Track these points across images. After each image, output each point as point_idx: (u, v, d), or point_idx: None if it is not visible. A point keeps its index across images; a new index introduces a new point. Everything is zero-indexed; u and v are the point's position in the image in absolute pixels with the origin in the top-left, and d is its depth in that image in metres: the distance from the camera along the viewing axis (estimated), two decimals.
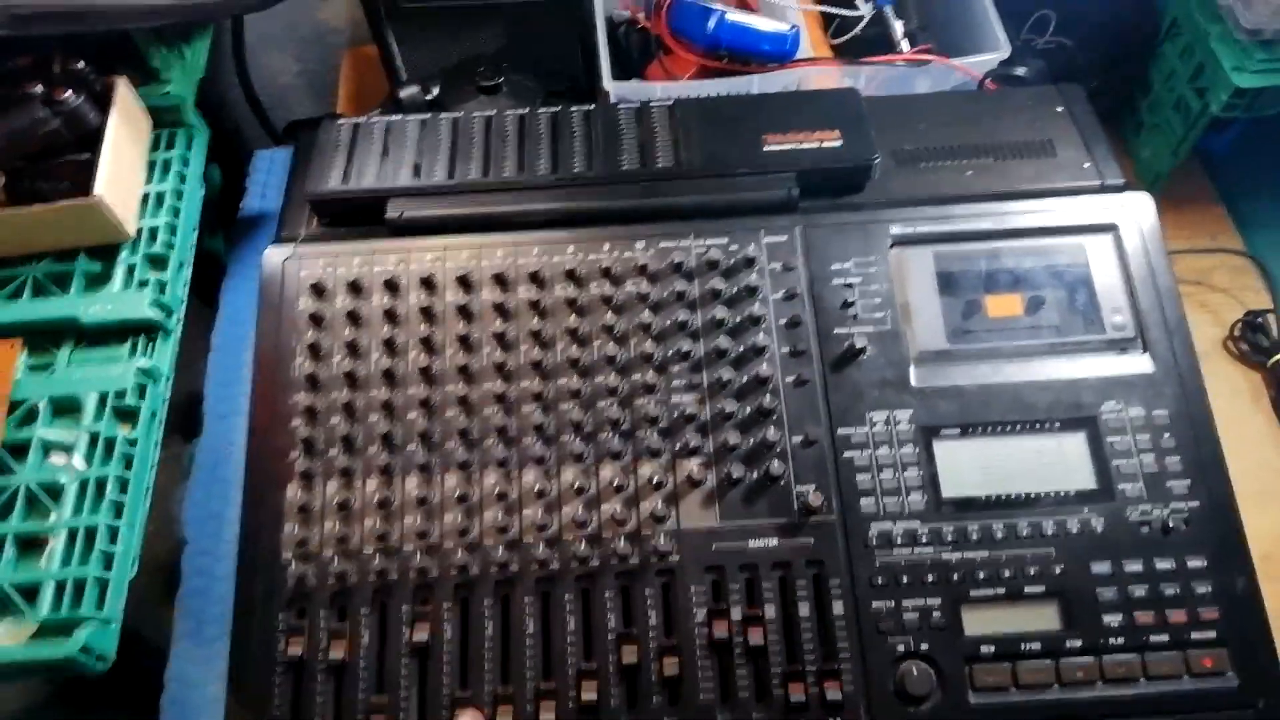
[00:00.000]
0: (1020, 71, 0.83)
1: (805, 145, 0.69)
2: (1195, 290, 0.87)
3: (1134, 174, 0.94)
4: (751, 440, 0.61)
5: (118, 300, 0.65)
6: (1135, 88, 0.93)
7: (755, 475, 0.60)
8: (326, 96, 1.12)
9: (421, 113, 0.75)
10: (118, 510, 0.61)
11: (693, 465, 0.61)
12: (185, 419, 0.82)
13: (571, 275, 0.65)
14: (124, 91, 0.69)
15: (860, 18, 0.91)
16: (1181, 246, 0.88)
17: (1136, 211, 0.66)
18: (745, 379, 0.63)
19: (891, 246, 0.66)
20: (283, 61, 1.14)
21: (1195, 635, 0.56)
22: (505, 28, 0.94)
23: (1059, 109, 0.74)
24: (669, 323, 0.64)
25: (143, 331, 0.65)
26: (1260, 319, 0.82)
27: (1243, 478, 0.75)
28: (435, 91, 0.91)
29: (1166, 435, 0.60)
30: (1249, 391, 0.81)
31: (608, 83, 0.82)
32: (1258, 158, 0.94)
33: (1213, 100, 0.80)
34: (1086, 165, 0.70)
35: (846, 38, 0.92)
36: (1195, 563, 0.57)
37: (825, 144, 0.69)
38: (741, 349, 0.63)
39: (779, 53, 0.82)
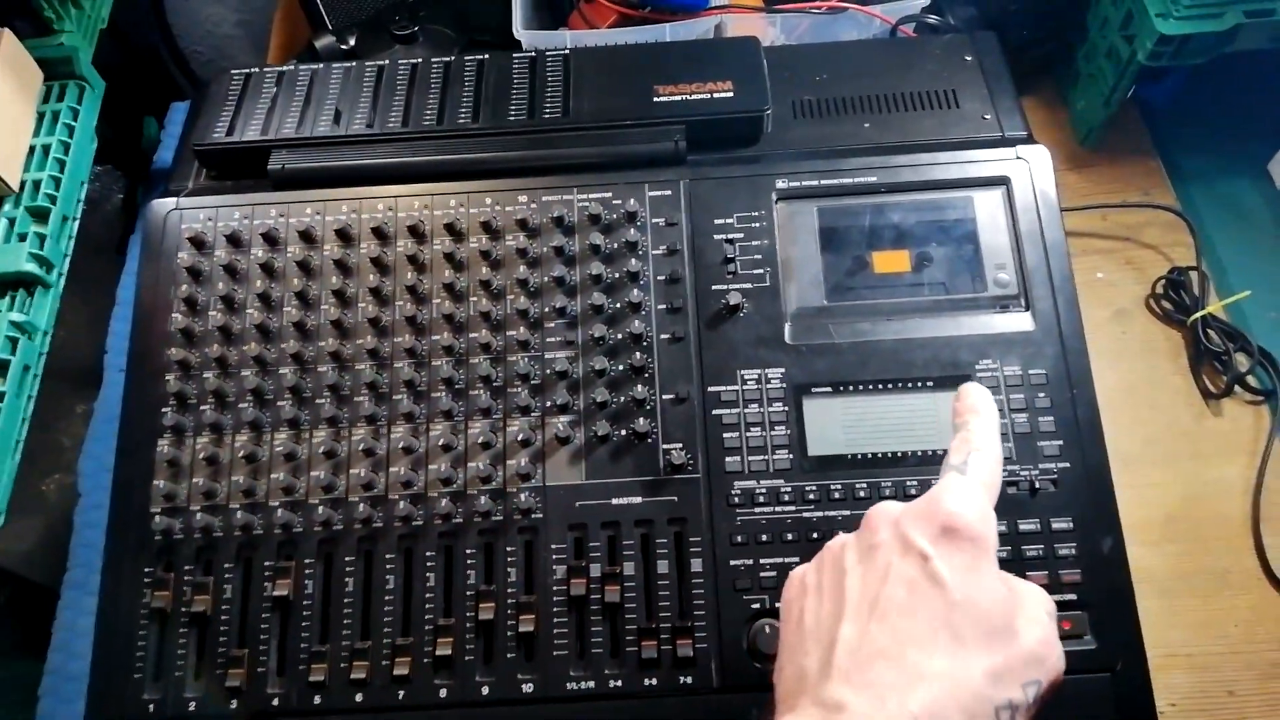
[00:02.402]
0: (933, 18, 0.80)
1: (696, 96, 0.67)
2: (1124, 246, 0.85)
3: (1068, 126, 0.91)
4: (622, 398, 0.60)
5: None
6: (1074, 36, 0.90)
7: (623, 433, 0.60)
8: (265, 47, 1.11)
9: (338, 63, 0.73)
10: None
11: (561, 422, 0.60)
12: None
13: (451, 229, 0.64)
14: (8, 43, 0.68)
15: None
16: (1113, 201, 0.86)
17: (1033, 165, 0.64)
18: (620, 336, 0.62)
19: (777, 201, 0.64)
20: (220, 12, 1.12)
21: (1055, 598, 0.55)
22: None
23: (968, 58, 0.71)
24: (546, 279, 0.63)
25: (22, 285, 0.64)
26: (1183, 276, 0.80)
27: (1153, 438, 0.75)
28: (352, 41, 0.90)
29: (1041, 395, 0.59)
30: (1167, 350, 0.79)
31: (519, 31, 0.81)
32: (1195, 111, 0.91)
33: (1139, 48, 0.77)
34: (988, 117, 0.68)
35: None
36: (1061, 524, 0.56)
37: (716, 95, 0.67)
38: (618, 305, 0.62)
39: (692, 1, 0.80)
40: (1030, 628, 0.42)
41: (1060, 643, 0.43)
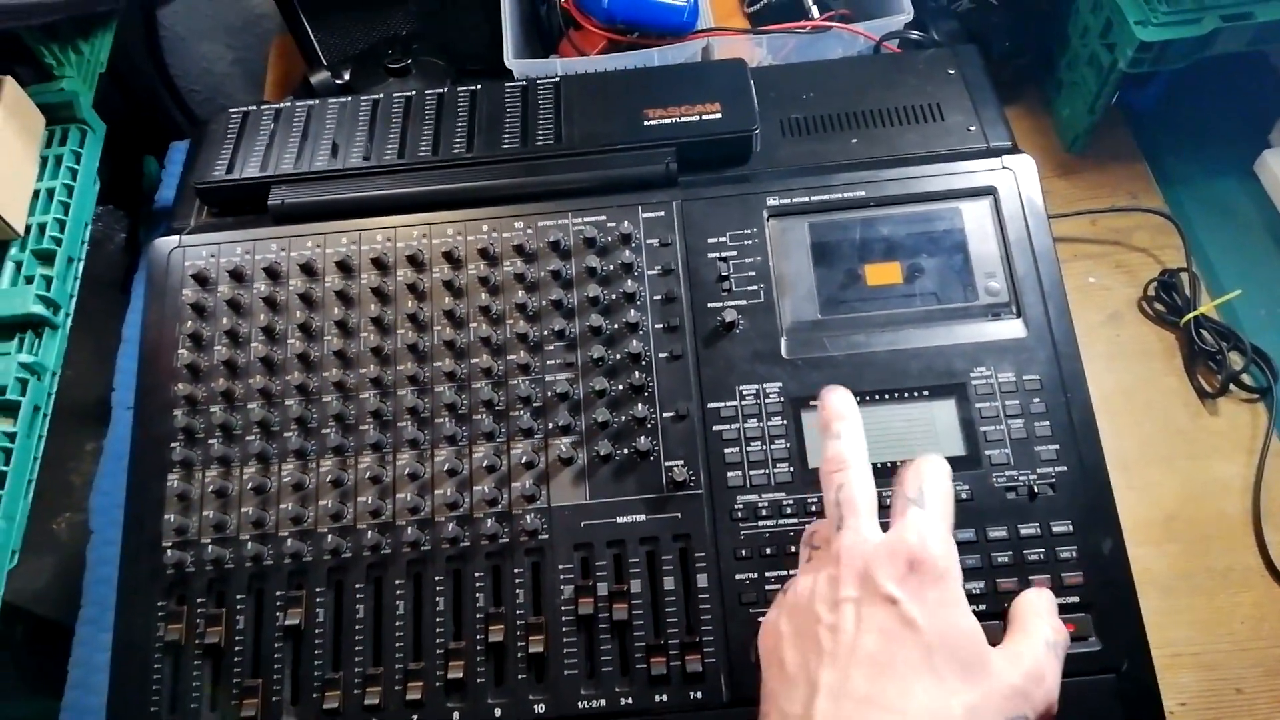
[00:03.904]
0: (915, 34, 0.81)
1: (685, 118, 0.69)
2: (1114, 250, 0.86)
3: (1055, 133, 0.92)
4: (623, 417, 0.61)
5: (4, 296, 0.66)
6: (1055, 45, 0.91)
7: (625, 452, 0.61)
8: (261, 83, 1.12)
9: (334, 98, 0.75)
10: None
11: (564, 444, 0.61)
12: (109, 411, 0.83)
13: (449, 257, 0.65)
14: (10, 90, 0.69)
15: None
16: (1102, 205, 0.87)
17: (1018, 174, 0.66)
18: (618, 356, 0.63)
19: (769, 218, 0.65)
20: (216, 50, 1.14)
21: (1059, 601, 0.55)
22: (418, 8, 0.94)
23: (951, 71, 0.73)
24: (544, 302, 0.64)
25: (30, 327, 0.66)
26: (1174, 278, 0.81)
27: (1151, 439, 0.75)
28: (347, 76, 0.91)
29: (1036, 400, 0.59)
30: (1162, 352, 0.80)
31: (510, 61, 0.82)
32: (1180, 114, 0.92)
33: (1120, 55, 0.78)
34: (972, 128, 0.69)
35: (759, 5, 0.91)
36: (1061, 527, 0.57)
37: (705, 116, 0.69)
38: (616, 326, 0.63)
39: (677, 24, 0.81)
40: (1017, 661, 0.44)
41: (1058, 674, 0.44)
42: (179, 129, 1.12)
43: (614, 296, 0.64)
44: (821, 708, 0.41)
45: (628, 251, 0.65)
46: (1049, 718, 0.43)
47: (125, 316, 0.82)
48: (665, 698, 0.56)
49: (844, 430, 0.49)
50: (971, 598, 0.54)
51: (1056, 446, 0.59)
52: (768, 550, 0.58)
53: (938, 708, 0.40)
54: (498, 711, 0.56)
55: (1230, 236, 0.85)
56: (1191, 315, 0.78)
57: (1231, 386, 0.77)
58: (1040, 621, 0.47)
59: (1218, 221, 0.86)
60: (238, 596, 0.59)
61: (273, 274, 0.66)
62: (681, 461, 0.60)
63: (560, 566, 0.59)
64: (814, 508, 0.58)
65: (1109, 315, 0.82)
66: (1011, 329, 0.61)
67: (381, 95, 0.73)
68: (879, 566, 0.43)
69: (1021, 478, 0.58)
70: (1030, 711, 0.42)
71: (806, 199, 0.65)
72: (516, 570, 0.59)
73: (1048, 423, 0.59)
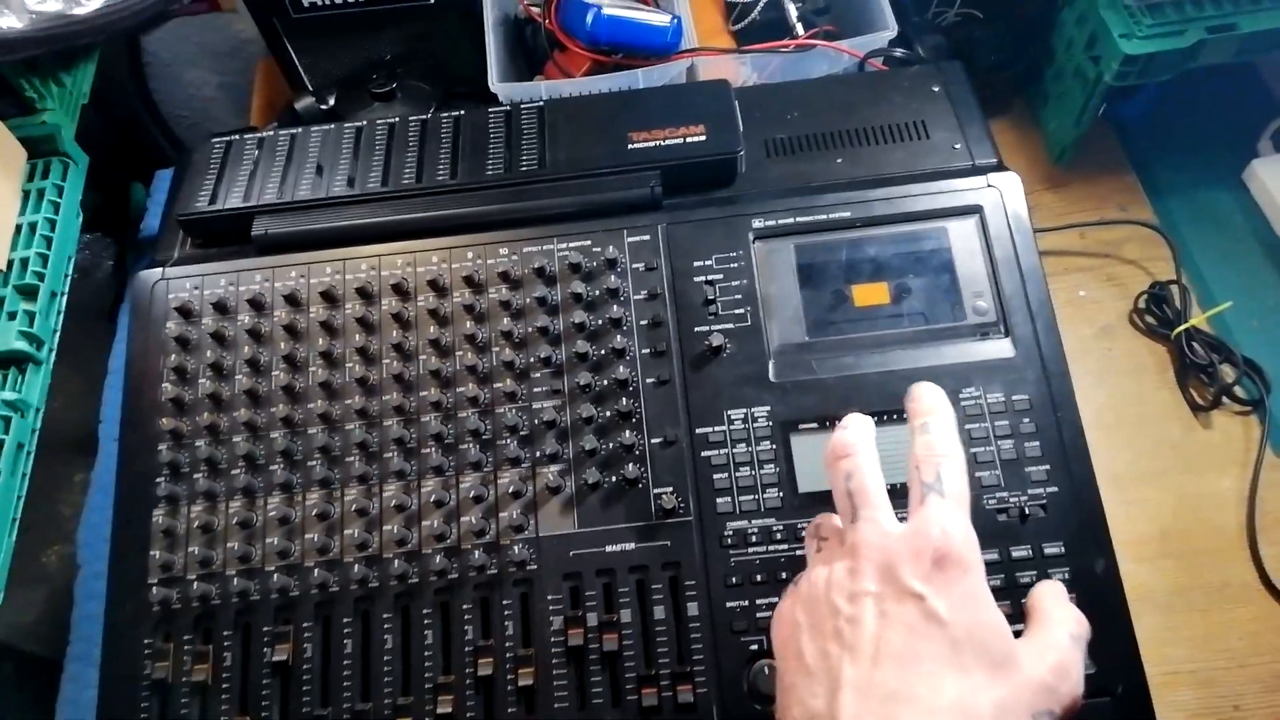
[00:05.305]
0: (900, 52, 0.81)
1: (669, 141, 0.68)
2: (1104, 263, 0.86)
3: (1043, 146, 0.92)
4: (611, 444, 0.61)
5: None
6: (1042, 58, 0.91)
7: (613, 479, 0.60)
8: (248, 108, 1.12)
9: (319, 123, 0.74)
10: None
11: (552, 472, 0.60)
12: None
13: (434, 285, 0.65)
14: None
15: (755, 3, 0.90)
16: (1091, 218, 0.87)
17: (1004, 192, 0.65)
18: (605, 382, 0.62)
19: (754, 240, 0.65)
20: (202, 75, 1.14)
21: None
22: (402, 32, 0.93)
23: (935, 88, 0.72)
24: (530, 329, 0.64)
25: (12, 363, 0.65)
26: (1164, 290, 0.81)
27: (1144, 453, 0.75)
28: (331, 101, 0.91)
29: (1026, 420, 0.59)
30: (1153, 365, 0.80)
31: (494, 84, 0.82)
32: (1168, 125, 0.92)
33: (1105, 69, 0.78)
34: (958, 146, 0.69)
35: (744, 24, 0.91)
36: (1052, 549, 0.57)
37: (689, 139, 0.68)
38: (602, 352, 0.63)
39: (661, 45, 0.81)
40: (1043, 655, 0.42)
41: (1082, 667, 0.43)
42: (165, 155, 1.12)
43: (600, 322, 0.64)
44: (846, 702, 0.40)
45: (613, 276, 0.64)
46: (1074, 711, 0.42)
47: (113, 346, 0.82)
48: None
49: (850, 421, 0.48)
50: None
51: (1047, 467, 0.58)
52: (758, 577, 0.57)
53: (967, 703, 0.39)
54: None
55: (1220, 247, 0.85)
56: (1183, 328, 0.78)
57: (1224, 399, 0.76)
58: (1063, 613, 0.45)
59: (1207, 232, 0.86)
60: (225, 633, 0.59)
61: (257, 305, 0.65)
62: (670, 488, 0.59)
63: (549, 597, 0.58)
64: (804, 533, 0.58)
65: (1100, 329, 0.82)
66: (1000, 349, 0.61)
67: (365, 123, 0.73)
68: (902, 563, 0.42)
69: (1012, 499, 0.58)
70: (1057, 706, 0.41)
71: (792, 220, 0.65)
72: (505, 602, 0.58)
73: (1038, 443, 0.59)
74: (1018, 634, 0.43)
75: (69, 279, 0.71)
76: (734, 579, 0.57)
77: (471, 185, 0.69)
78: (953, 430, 0.47)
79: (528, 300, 0.65)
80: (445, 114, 0.73)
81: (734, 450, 0.60)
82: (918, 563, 0.42)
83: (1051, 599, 0.46)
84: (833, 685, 0.41)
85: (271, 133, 0.73)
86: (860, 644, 0.41)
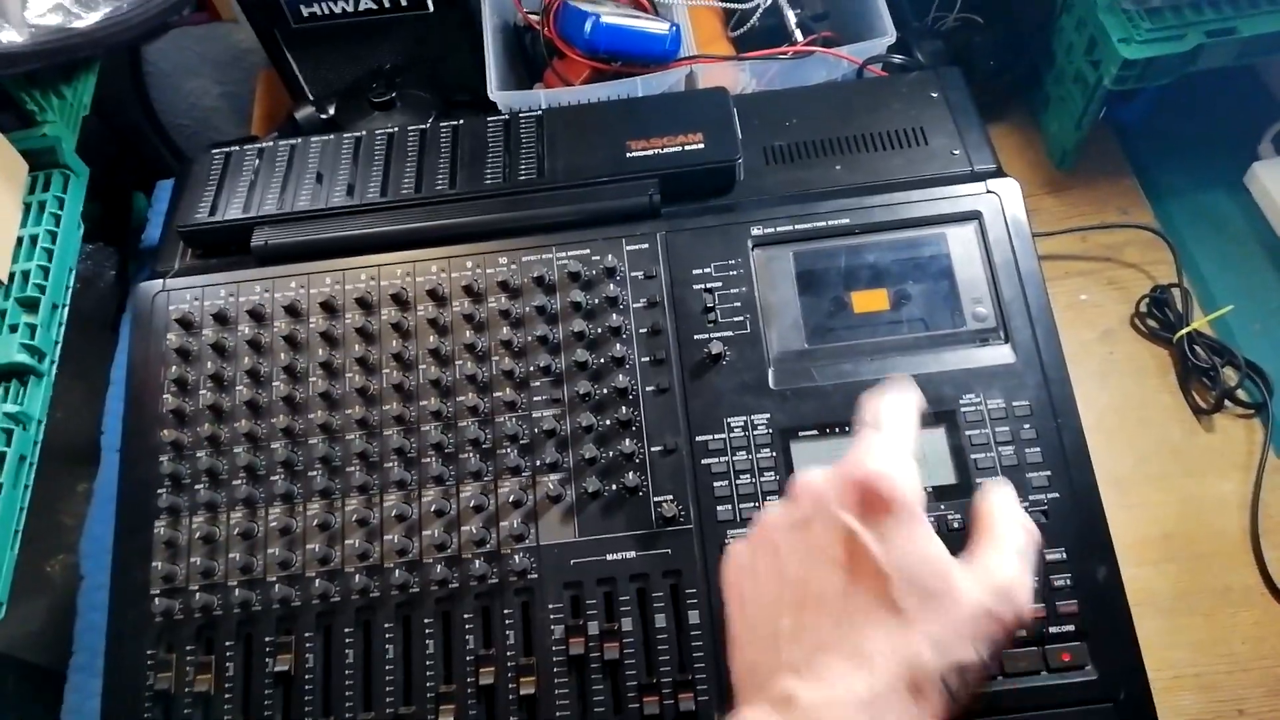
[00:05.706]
0: (899, 58, 0.81)
1: (668, 149, 0.68)
2: (1105, 267, 0.85)
3: (1043, 150, 0.92)
4: (611, 453, 0.61)
5: None
6: (1041, 62, 0.91)
7: (614, 488, 0.60)
8: (249, 117, 1.12)
9: (319, 133, 0.75)
10: None
11: (552, 481, 0.61)
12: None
13: (433, 295, 0.65)
14: None
15: (754, 9, 0.90)
16: (1092, 222, 0.87)
17: (1003, 198, 0.65)
18: (605, 391, 0.62)
19: (753, 248, 0.65)
20: (203, 85, 1.14)
21: (1053, 630, 0.55)
22: (401, 41, 0.94)
23: (934, 94, 0.72)
24: (530, 338, 0.64)
25: (14, 376, 0.65)
26: (1165, 294, 0.81)
27: (1146, 457, 0.75)
28: (332, 110, 0.91)
29: (1026, 426, 0.59)
30: (1155, 368, 0.80)
31: (494, 93, 0.82)
32: (1169, 128, 0.92)
33: (1105, 73, 0.78)
34: (956, 152, 0.69)
35: (743, 30, 0.91)
36: (1054, 555, 0.56)
37: (688, 147, 0.68)
38: (602, 361, 0.63)
39: (659, 53, 0.81)
40: (983, 579, 0.41)
41: (1030, 580, 0.42)
42: (167, 164, 1.12)
43: (599, 330, 0.64)
44: (784, 654, 0.39)
45: (612, 285, 0.65)
46: (1023, 625, 0.41)
47: (115, 356, 0.82)
48: None
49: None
50: None
51: (1048, 473, 0.58)
52: None
53: (898, 644, 0.38)
54: None
55: (1221, 250, 0.85)
56: (1184, 331, 0.78)
57: (1226, 402, 0.76)
58: (1007, 527, 0.43)
59: (1209, 235, 0.86)
60: (227, 643, 0.59)
61: (257, 316, 0.66)
62: (671, 496, 0.60)
63: (550, 606, 0.58)
64: None
65: (1102, 333, 0.82)
66: (1000, 355, 0.61)
67: (364, 133, 0.73)
68: (835, 497, 0.41)
69: None
70: (998, 628, 0.40)
71: (791, 227, 0.65)
72: (506, 611, 0.58)
73: (1039, 449, 0.59)
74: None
75: (70, 291, 0.71)
76: None
77: (470, 194, 0.69)
78: (908, 393, 0.46)
79: (527, 309, 0.65)
80: (444, 123, 0.73)
81: (734, 458, 0.60)
82: (850, 494, 0.41)
83: (999, 510, 0.45)
84: (770, 636, 0.41)
85: (271, 143, 0.74)
86: (795, 587, 0.41)
